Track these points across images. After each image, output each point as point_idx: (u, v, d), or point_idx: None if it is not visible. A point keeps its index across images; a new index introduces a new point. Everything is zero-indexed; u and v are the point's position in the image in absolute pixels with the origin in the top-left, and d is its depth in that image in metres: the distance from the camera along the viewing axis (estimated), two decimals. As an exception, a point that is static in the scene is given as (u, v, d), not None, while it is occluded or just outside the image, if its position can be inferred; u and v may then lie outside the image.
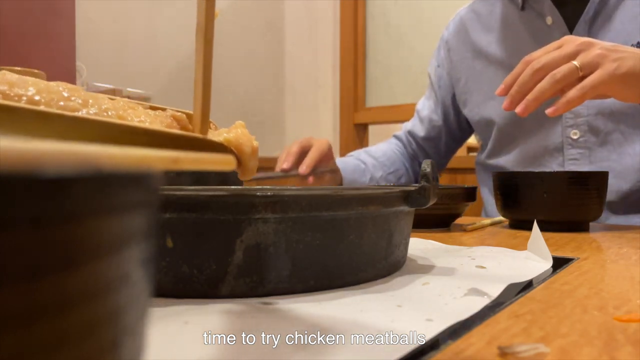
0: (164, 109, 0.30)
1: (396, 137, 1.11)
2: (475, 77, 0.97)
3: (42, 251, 0.08)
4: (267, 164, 1.95)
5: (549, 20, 0.86)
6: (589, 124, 0.82)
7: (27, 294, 0.08)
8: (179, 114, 0.30)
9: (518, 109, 0.63)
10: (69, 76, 1.10)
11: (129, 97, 1.23)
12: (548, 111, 0.62)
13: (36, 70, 0.69)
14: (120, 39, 1.51)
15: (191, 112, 0.32)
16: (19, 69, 0.64)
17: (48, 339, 0.08)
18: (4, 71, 0.25)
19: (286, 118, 2.16)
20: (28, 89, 0.23)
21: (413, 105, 1.89)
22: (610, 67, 0.61)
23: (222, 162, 0.25)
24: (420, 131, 1.07)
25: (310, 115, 2.26)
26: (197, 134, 0.28)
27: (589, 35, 0.81)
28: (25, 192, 0.08)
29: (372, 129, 2.18)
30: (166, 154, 0.19)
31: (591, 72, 0.62)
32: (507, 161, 0.91)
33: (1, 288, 0.08)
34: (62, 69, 1.08)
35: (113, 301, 0.10)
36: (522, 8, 0.89)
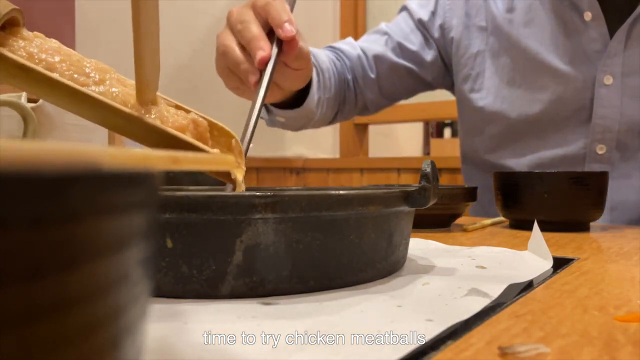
0: (188, 111, 0.30)
1: (343, 53, 0.91)
2: (490, 56, 0.86)
3: (42, 251, 0.08)
4: (267, 164, 1.94)
5: (587, 15, 0.76)
6: (618, 140, 0.77)
7: (27, 294, 0.08)
8: (202, 119, 0.30)
9: None
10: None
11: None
12: None
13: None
14: (120, 39, 1.51)
15: (213, 120, 0.31)
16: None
17: (48, 339, 0.08)
18: (45, 38, 0.26)
19: (286, 118, 2.16)
20: (54, 57, 0.25)
21: (413, 105, 1.87)
22: None
23: (222, 162, 0.25)
24: (385, 51, 0.91)
25: (311, 115, 2.26)
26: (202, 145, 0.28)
27: (627, 39, 0.74)
28: (25, 192, 0.08)
29: (372, 128, 2.18)
30: (166, 154, 0.19)
31: None
32: (520, 165, 0.84)
33: (1, 288, 0.08)
34: (62, 69, 1.08)
35: (113, 301, 0.10)
36: None
